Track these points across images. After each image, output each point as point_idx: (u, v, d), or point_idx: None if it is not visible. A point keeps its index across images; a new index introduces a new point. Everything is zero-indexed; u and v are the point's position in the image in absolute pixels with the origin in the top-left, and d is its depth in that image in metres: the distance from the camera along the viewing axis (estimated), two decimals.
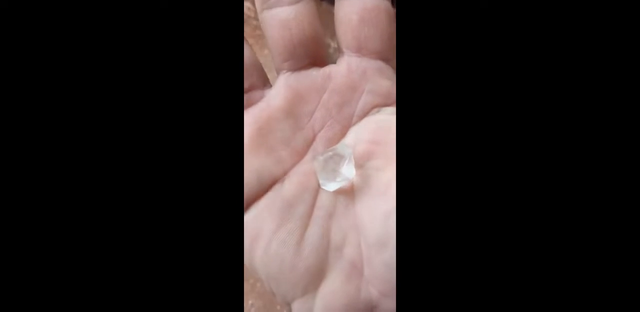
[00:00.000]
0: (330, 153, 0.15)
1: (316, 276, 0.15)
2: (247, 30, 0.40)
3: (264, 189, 0.16)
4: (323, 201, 0.16)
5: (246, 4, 0.40)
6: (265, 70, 0.17)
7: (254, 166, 0.15)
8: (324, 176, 0.15)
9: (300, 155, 0.16)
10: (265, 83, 0.16)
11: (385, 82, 0.16)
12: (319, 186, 0.16)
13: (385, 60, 0.16)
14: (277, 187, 0.16)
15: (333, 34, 0.17)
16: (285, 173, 0.16)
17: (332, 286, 0.15)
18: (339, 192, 0.16)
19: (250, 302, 0.45)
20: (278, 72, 0.16)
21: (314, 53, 0.16)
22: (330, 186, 0.15)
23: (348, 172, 0.15)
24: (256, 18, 0.34)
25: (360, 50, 0.16)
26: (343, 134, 0.16)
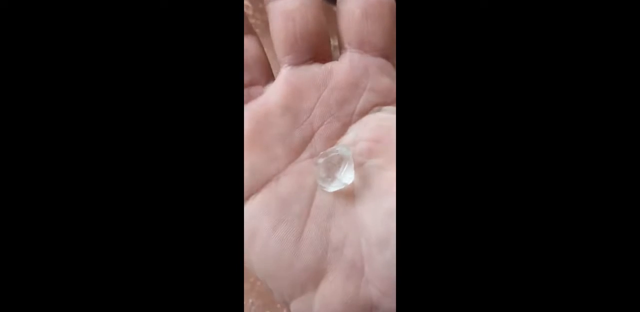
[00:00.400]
0: (332, 154, 0.15)
1: (315, 275, 0.15)
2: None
3: (256, 187, 0.15)
4: (321, 200, 0.15)
5: (245, 3, 0.40)
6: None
7: (246, 163, 0.15)
8: (324, 179, 0.15)
9: (297, 153, 0.16)
10: (269, 79, 0.16)
11: (386, 80, 0.16)
12: (316, 185, 0.16)
13: (386, 57, 0.16)
14: (272, 185, 0.15)
15: (332, 32, 0.17)
16: (279, 171, 0.16)
17: (332, 285, 0.15)
18: (338, 192, 0.16)
19: (250, 301, 0.45)
20: (280, 66, 0.16)
21: (317, 48, 0.16)
22: (330, 188, 0.15)
23: (347, 176, 0.15)
24: (254, 16, 0.34)
25: (362, 45, 0.16)
26: (342, 131, 0.16)
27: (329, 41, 0.16)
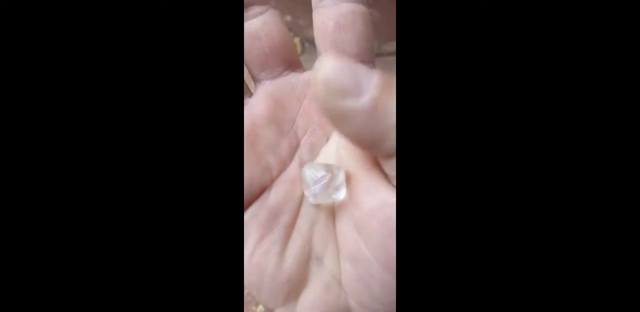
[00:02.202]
0: (324, 172, 0.15)
1: (297, 286, 0.15)
2: None
3: (253, 198, 0.16)
4: (306, 209, 0.16)
5: None
6: None
7: (244, 174, 0.15)
8: (312, 192, 0.15)
9: (286, 162, 0.16)
10: (246, 92, 0.17)
11: None
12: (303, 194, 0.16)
13: (362, 62, 0.15)
14: (264, 196, 0.16)
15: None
16: (272, 181, 0.16)
17: (312, 296, 0.15)
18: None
19: (246, 291, 0.46)
20: (256, 82, 0.17)
21: (287, 58, 0.16)
22: (315, 201, 0.15)
23: (339, 194, 0.15)
24: None
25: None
26: (326, 138, 0.16)
27: (296, 49, 0.17)
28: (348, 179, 0.15)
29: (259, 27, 0.16)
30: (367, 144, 0.13)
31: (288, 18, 0.52)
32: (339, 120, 0.12)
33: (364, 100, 0.12)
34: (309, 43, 0.56)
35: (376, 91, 0.12)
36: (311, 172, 0.15)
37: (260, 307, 0.44)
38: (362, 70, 0.12)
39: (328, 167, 0.15)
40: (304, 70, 0.17)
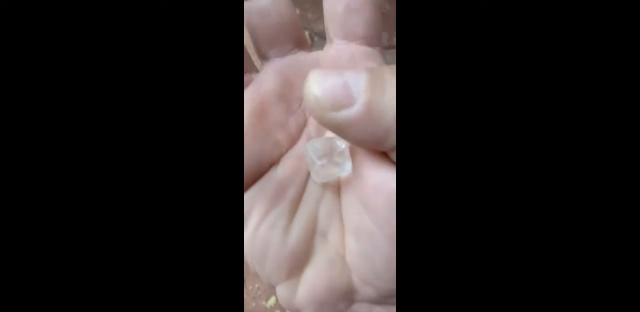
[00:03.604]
0: (329, 145, 0.15)
1: (300, 261, 0.15)
2: None
3: (262, 172, 0.16)
4: (313, 184, 0.16)
5: None
6: None
7: (254, 148, 0.15)
8: (316, 170, 0.15)
9: (294, 139, 0.16)
10: (252, 67, 0.17)
11: (372, 65, 0.16)
12: None
13: (371, 45, 0.16)
14: (272, 170, 0.16)
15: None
16: (281, 156, 0.16)
17: (316, 271, 0.15)
18: None
19: (256, 286, 0.46)
20: (264, 60, 0.17)
21: (296, 36, 0.17)
22: (319, 179, 0.15)
23: (344, 169, 0.15)
24: None
25: (347, 37, 0.16)
26: None
27: (304, 31, 0.17)
28: (353, 154, 0.15)
29: (268, 3, 0.16)
30: (372, 145, 0.13)
31: (297, 11, 0.52)
32: (339, 130, 0.12)
33: (357, 107, 0.12)
34: (318, 36, 0.56)
35: (366, 96, 0.12)
36: (314, 149, 0.15)
37: (270, 301, 0.44)
38: (350, 77, 0.12)
39: (331, 141, 0.15)
40: (311, 49, 0.17)
